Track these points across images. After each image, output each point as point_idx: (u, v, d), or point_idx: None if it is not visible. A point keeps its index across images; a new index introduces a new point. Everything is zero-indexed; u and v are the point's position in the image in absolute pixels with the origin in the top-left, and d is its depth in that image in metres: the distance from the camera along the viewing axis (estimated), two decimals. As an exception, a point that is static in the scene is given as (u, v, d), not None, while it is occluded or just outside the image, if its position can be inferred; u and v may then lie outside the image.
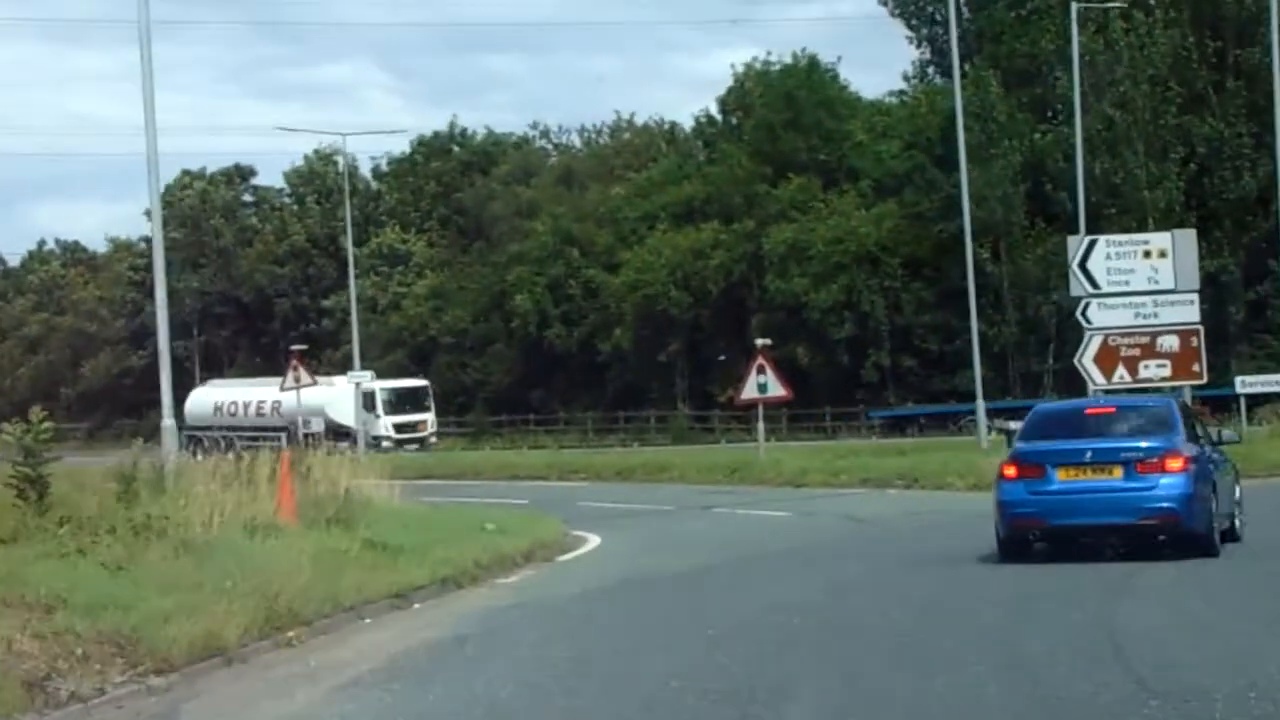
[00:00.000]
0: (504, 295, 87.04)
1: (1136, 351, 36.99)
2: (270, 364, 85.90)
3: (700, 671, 13.60)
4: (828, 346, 73.46)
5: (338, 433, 65.89)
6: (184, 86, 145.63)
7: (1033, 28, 70.96)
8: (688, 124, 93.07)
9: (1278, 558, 21.14)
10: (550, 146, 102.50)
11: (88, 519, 18.66)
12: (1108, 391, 35.86)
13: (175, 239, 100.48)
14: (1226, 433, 24.84)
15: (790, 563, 23.12)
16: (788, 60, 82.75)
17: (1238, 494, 23.45)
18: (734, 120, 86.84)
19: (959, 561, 21.67)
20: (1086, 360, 37.28)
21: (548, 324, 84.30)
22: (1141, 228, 56.92)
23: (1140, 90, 66.81)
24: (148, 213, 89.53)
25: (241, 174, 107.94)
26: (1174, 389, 36.29)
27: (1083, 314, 37.54)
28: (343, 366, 76.17)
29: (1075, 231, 47.37)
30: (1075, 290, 38.08)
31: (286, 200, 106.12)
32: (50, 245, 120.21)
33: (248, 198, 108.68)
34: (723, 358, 75.85)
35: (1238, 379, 53.65)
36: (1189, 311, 37.15)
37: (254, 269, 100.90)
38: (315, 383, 58.39)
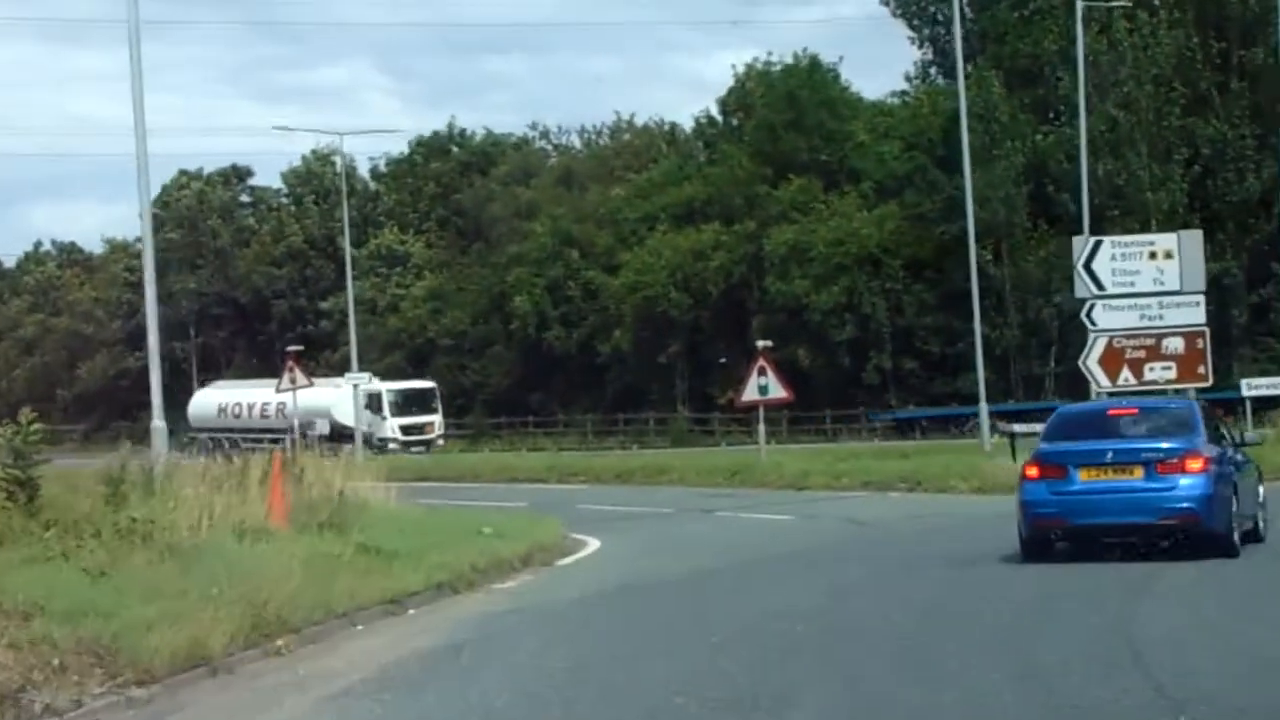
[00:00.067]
0: (503, 297, 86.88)
1: (1142, 354, 36.62)
2: (268, 366, 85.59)
3: (702, 679, 13.40)
4: (829, 348, 73.23)
5: (343, 434, 65.61)
6: (181, 87, 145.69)
7: (1035, 28, 70.72)
8: (688, 125, 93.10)
9: (1298, 558, 21.22)
10: (550, 147, 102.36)
11: (74, 522, 18.25)
12: (1112, 394, 35.49)
13: (172, 240, 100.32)
14: (1249, 434, 25.05)
15: (793, 567, 22.93)
16: (789, 60, 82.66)
17: (1261, 495, 23.54)
18: (735, 121, 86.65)
19: (964, 565, 21.56)
20: (1091, 362, 36.90)
21: (547, 326, 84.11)
22: (1144, 230, 56.47)
23: (1144, 91, 66.57)
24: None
25: (239, 174, 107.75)
26: (1177, 392, 35.89)
27: (1088, 316, 37.14)
28: (341, 368, 75.98)
29: (1078, 233, 46.99)
30: (1080, 291, 37.67)
31: (284, 201, 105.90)
32: (46, 246, 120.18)
33: (245, 198, 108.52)
34: (723, 360, 75.61)
35: (1243, 381, 53.30)
36: (1195, 313, 36.76)
37: (251, 270, 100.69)
38: (311, 384, 58.12)
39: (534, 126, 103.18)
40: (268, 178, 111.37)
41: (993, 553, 21.98)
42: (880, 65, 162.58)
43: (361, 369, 69.81)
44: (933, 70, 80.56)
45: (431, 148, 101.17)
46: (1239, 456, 22.76)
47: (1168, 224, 59.67)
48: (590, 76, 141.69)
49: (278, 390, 59.83)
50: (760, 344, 49.27)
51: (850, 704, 12.30)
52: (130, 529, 17.69)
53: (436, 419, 78.11)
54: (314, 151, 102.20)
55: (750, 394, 47.48)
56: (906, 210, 73.17)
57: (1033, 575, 20.04)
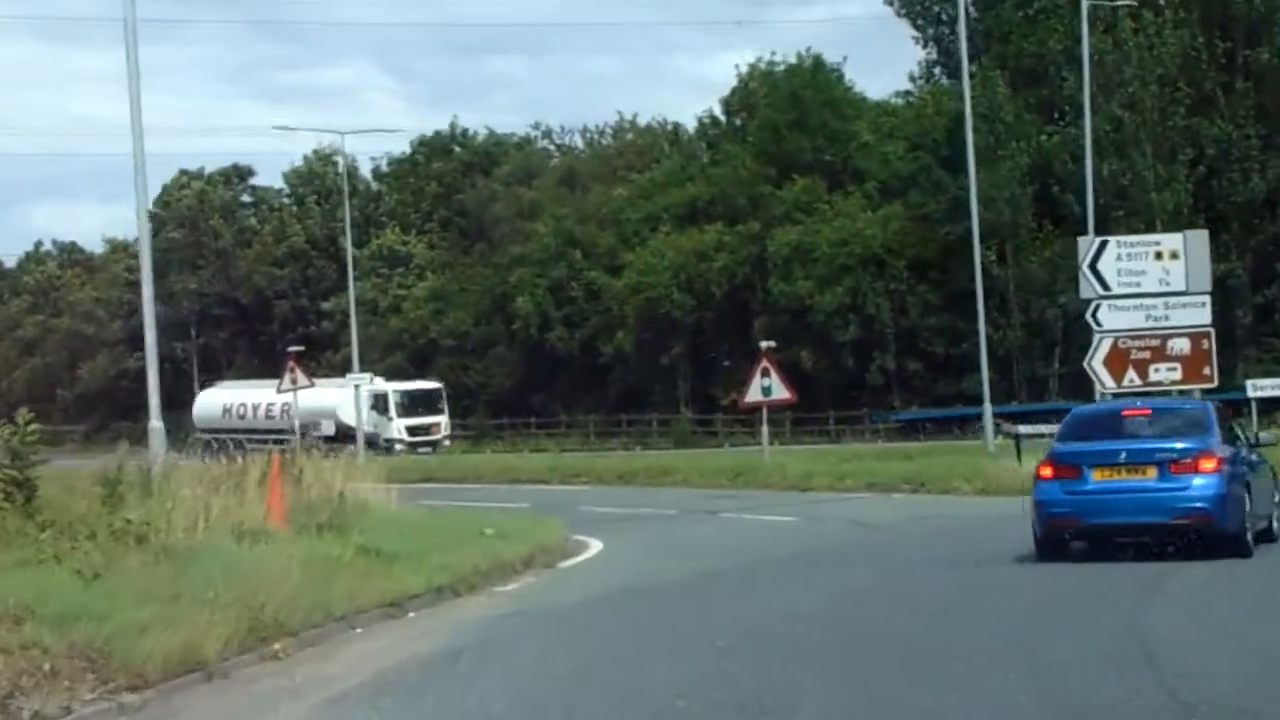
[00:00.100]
0: (505, 297, 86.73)
1: (1147, 354, 36.43)
2: (269, 366, 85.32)
3: (707, 683, 13.25)
4: (832, 349, 73.07)
5: (348, 435, 65.47)
6: (183, 88, 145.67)
7: (1040, 27, 70.48)
8: (691, 125, 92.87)
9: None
10: (552, 147, 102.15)
11: (69, 523, 18.01)
12: (1117, 395, 35.29)
13: (173, 239, 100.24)
14: (1264, 435, 25.27)
15: (798, 569, 22.82)
16: (793, 60, 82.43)
17: (1275, 495, 23.57)
18: (738, 121, 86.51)
19: (972, 567, 21.53)
20: (1096, 363, 36.69)
21: (549, 326, 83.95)
22: (1149, 230, 56.18)
23: (1149, 91, 66.38)
24: (146, 214, 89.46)
25: (240, 174, 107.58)
26: (1181, 393, 35.68)
27: (1093, 316, 36.93)
28: (342, 369, 75.84)
29: (1082, 234, 46.72)
30: (1085, 292, 37.46)
31: (286, 201, 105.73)
32: (47, 246, 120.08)
33: (246, 198, 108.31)
34: (727, 363, 75.43)
35: (1248, 383, 53.15)
36: (1200, 314, 36.56)
37: (253, 270, 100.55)
38: (313, 384, 57.90)
39: (536, 126, 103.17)
40: (269, 178, 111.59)
41: (1000, 554, 21.98)
42: (884, 65, 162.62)
43: (363, 370, 69.62)
44: (937, 70, 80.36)
45: (433, 147, 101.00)
46: (1253, 457, 22.88)
47: (1172, 224, 59.40)
48: (592, 78, 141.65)
49: (279, 391, 59.62)
50: (763, 345, 49.07)
51: (857, 708, 12.18)
52: (125, 530, 17.44)
53: (443, 420, 77.99)
54: (316, 151, 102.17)
55: (754, 395, 47.31)
56: (910, 211, 73.00)
57: (1043, 576, 20.08)
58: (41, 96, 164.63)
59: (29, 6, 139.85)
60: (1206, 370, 36.38)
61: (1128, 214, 64.43)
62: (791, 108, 79.51)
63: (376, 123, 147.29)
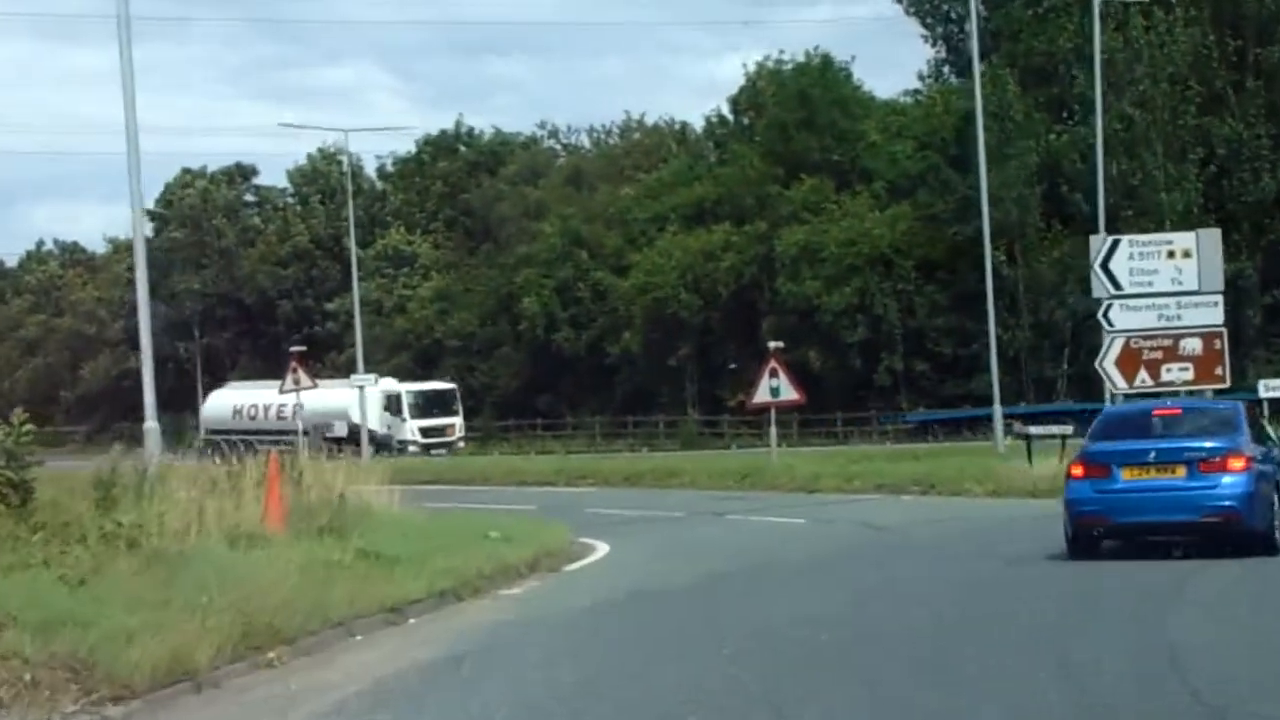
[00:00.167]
0: (511, 298, 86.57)
1: (1159, 354, 36.16)
2: (272, 367, 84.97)
3: (716, 691, 13.04)
4: (840, 350, 72.86)
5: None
6: (185, 87, 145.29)
7: (1050, 26, 70.23)
8: (698, 124, 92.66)
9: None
10: (559, 147, 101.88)
11: (62, 526, 17.56)
12: (1129, 396, 34.98)
13: (176, 239, 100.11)
14: None
15: (808, 571, 22.63)
16: (800, 59, 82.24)
17: None
18: (746, 120, 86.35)
19: (983, 568, 21.51)
20: (1108, 363, 36.39)
21: (556, 327, 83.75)
22: (1159, 230, 55.91)
23: (1160, 89, 66.16)
24: (149, 213, 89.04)
25: (243, 173, 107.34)
26: (1189, 394, 35.31)
27: (1104, 316, 36.60)
28: (347, 370, 75.65)
29: (1092, 233, 46.37)
30: (1097, 291, 37.16)
31: (289, 200, 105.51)
32: (48, 246, 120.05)
33: (250, 198, 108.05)
34: (733, 366, 75.20)
35: (1261, 383, 52.68)
36: (1213, 313, 36.29)
37: (256, 270, 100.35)
38: (315, 385, 57.52)
39: (543, 126, 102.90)
40: (273, 177, 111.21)
41: (1014, 556, 22.09)
42: (892, 64, 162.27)
43: (368, 370, 69.44)
44: (945, 69, 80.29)
45: (439, 147, 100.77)
46: None
47: (1182, 224, 59.10)
48: (597, 79, 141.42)
49: (281, 391, 59.29)
50: (771, 345, 48.76)
51: (870, 713, 12.07)
52: (115, 534, 16.97)
53: (457, 421, 77.74)
54: (320, 150, 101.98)
55: (761, 396, 47.07)
56: (919, 210, 72.81)
57: (1065, 576, 20.16)
58: (42, 95, 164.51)
59: (27, 4, 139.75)
60: (1219, 370, 36.14)
61: (1137, 214, 64.17)
62: (799, 107, 79.31)
63: (379, 123, 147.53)
